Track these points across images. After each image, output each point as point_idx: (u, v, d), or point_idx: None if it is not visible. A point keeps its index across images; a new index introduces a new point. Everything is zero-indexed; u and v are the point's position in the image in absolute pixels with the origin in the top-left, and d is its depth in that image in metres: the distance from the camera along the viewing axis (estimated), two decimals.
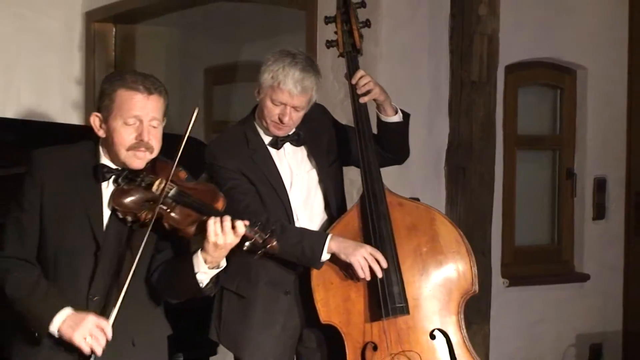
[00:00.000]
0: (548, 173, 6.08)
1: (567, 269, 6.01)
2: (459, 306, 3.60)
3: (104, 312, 2.95)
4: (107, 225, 3.02)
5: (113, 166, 3.04)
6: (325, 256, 3.51)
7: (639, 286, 5.98)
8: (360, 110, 3.64)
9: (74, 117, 6.53)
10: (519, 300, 5.68)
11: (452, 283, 3.60)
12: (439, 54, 5.16)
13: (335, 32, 3.73)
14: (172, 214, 2.97)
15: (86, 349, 2.89)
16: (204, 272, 2.97)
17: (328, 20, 3.76)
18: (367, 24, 3.74)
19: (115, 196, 3.00)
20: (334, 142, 3.74)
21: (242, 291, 3.63)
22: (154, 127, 3.01)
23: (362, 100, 3.64)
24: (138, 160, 3.01)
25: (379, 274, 3.49)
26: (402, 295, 3.52)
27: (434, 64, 5.17)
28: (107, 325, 2.90)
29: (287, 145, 3.64)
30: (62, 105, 6.50)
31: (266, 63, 3.53)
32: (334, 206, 3.68)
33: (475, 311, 4.75)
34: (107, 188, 3.04)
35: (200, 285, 2.98)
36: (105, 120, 3.02)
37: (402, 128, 3.73)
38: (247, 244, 2.94)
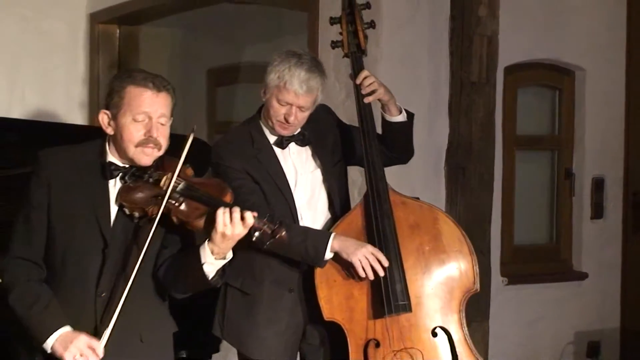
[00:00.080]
0: (547, 173, 6.09)
1: (565, 267, 6.02)
2: (461, 304, 3.61)
3: (108, 308, 2.97)
4: (114, 222, 3.03)
5: (120, 164, 3.05)
6: (329, 255, 3.53)
7: (637, 284, 6.00)
8: (364, 110, 3.66)
9: (78, 118, 6.51)
10: (518, 298, 5.70)
11: (454, 281, 3.61)
12: (439, 55, 5.17)
13: (340, 33, 3.75)
14: (181, 208, 2.96)
15: None
16: (211, 263, 2.96)
17: (333, 21, 3.77)
18: (372, 25, 3.76)
19: (123, 192, 3.01)
20: (338, 142, 3.75)
21: (247, 288, 3.64)
22: (162, 124, 3.03)
23: (367, 100, 3.65)
24: (146, 157, 3.02)
25: (380, 273, 3.50)
26: (405, 293, 3.53)
27: (434, 65, 5.18)
28: (99, 345, 2.92)
29: (292, 145, 3.65)
30: (67, 105, 6.48)
31: (272, 63, 3.54)
32: (338, 205, 3.69)
33: (474, 309, 4.71)
34: (115, 186, 3.04)
35: (207, 277, 2.98)
36: (114, 117, 3.02)
37: (406, 128, 3.74)
38: (256, 234, 2.93)
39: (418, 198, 3.88)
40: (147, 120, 3.00)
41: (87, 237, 3.02)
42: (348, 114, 4.08)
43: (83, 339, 2.93)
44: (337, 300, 3.58)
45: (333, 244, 3.52)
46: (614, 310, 6.09)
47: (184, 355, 4.35)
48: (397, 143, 3.76)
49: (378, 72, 4.53)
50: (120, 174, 3.04)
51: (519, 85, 5.82)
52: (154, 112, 3.01)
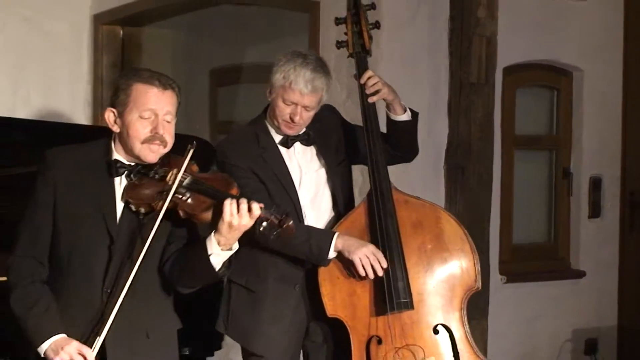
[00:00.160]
0: (545, 172, 6.10)
1: (563, 266, 6.02)
2: (462, 302, 3.62)
3: (110, 302, 2.97)
4: (120, 219, 3.04)
5: (126, 162, 3.06)
6: (332, 254, 3.55)
7: (634, 283, 6.01)
8: (368, 110, 3.67)
9: (82, 118, 6.51)
10: (517, 296, 5.71)
11: (455, 279, 3.63)
12: (438, 56, 5.17)
13: (345, 33, 3.75)
14: (187, 201, 2.97)
15: None
16: (217, 254, 2.97)
17: (339, 21, 3.78)
18: (376, 25, 3.77)
19: (129, 189, 3.02)
20: (342, 142, 3.76)
21: (252, 285, 3.66)
22: (168, 121, 3.04)
23: (371, 99, 3.66)
24: (152, 154, 3.03)
25: (380, 273, 3.51)
26: (407, 291, 3.54)
27: (434, 66, 5.18)
28: (90, 352, 2.94)
29: (297, 144, 3.66)
30: (71, 105, 6.46)
31: (278, 63, 3.56)
32: (342, 204, 3.70)
33: (473, 307, 4.65)
34: (120, 183, 3.05)
35: (214, 268, 2.99)
36: (120, 115, 3.04)
37: (411, 126, 3.75)
38: (263, 224, 2.92)
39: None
40: (153, 117, 3.02)
41: (94, 234, 3.03)
42: (349, 114, 4.09)
43: (75, 345, 2.95)
44: (340, 297, 3.59)
45: (337, 243, 3.54)
46: (611, 308, 6.09)
47: (187, 353, 4.36)
48: (402, 142, 3.78)
49: (378, 72, 4.50)
50: (126, 172, 3.05)
51: (517, 85, 5.82)
52: (160, 109, 3.02)
